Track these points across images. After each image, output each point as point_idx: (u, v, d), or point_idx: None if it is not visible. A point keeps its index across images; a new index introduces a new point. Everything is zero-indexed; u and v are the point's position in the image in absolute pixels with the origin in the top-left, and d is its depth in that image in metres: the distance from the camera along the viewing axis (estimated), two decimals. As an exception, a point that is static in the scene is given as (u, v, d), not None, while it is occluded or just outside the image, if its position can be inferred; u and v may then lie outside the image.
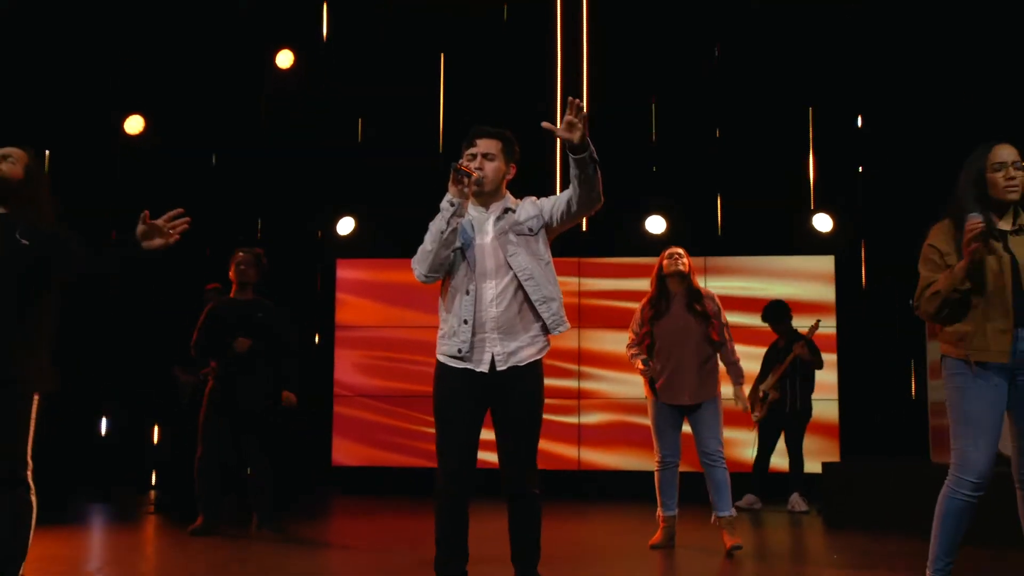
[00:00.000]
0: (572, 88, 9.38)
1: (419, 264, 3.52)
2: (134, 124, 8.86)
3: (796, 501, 7.65)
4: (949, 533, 3.58)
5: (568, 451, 9.20)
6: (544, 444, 9.24)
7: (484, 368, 3.48)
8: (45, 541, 5.48)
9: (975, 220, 3.45)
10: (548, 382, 9.16)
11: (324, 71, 9.45)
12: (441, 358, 3.56)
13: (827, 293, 9.02)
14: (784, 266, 9.16)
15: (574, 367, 9.26)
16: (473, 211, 3.61)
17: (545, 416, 8.88)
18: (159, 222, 3.49)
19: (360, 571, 4.69)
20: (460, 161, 3.53)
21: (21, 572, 3.52)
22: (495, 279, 3.49)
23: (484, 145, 3.59)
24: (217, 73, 9.02)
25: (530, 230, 3.57)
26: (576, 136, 3.30)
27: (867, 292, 8.95)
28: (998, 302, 3.53)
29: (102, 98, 8.71)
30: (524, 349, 3.54)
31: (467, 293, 3.48)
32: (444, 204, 3.45)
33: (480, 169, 3.54)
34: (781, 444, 7.85)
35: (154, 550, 5.26)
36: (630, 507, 7.40)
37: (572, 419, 9.22)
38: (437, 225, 3.46)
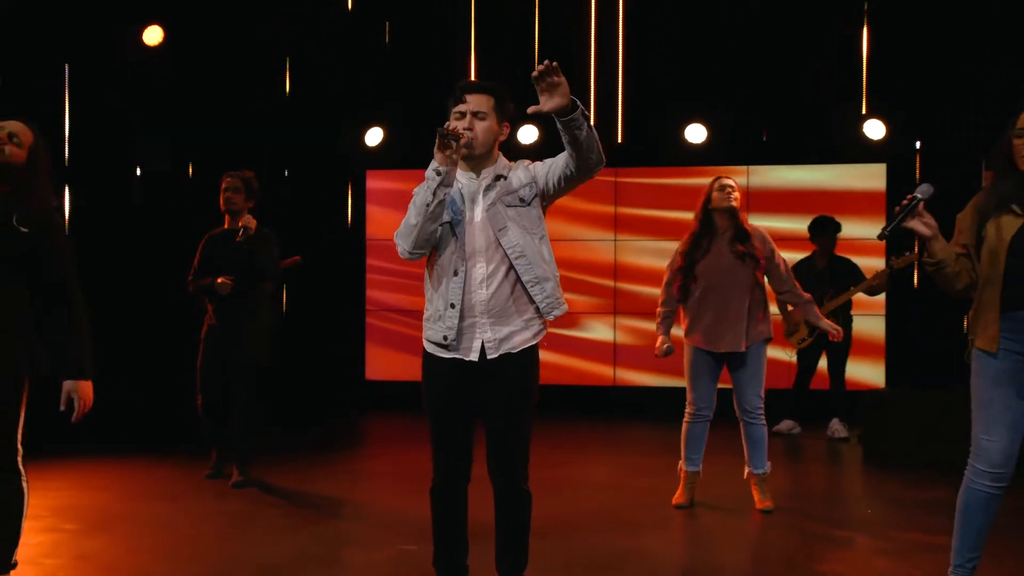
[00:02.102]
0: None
1: (403, 239, 3.13)
2: (153, 35, 8.51)
3: (836, 428, 7.41)
4: (971, 527, 3.30)
5: (604, 370, 9.03)
6: (579, 363, 9.21)
7: (474, 357, 3.16)
8: (59, 489, 5.51)
9: (911, 195, 3.19)
10: (583, 299, 8.92)
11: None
12: (427, 346, 3.27)
13: (877, 204, 8.56)
14: (832, 175, 8.69)
15: (610, 283, 8.99)
16: (463, 177, 3.20)
17: (581, 334, 8.92)
18: None
19: (369, 541, 4.54)
20: (447, 124, 3.12)
21: (14, 559, 3.46)
22: (485, 258, 3.12)
23: (475, 102, 3.15)
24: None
25: (522, 200, 3.16)
26: (564, 97, 2.86)
27: (920, 203, 8.46)
28: (993, 285, 3.21)
29: (120, 8, 8.37)
30: (518, 334, 3.16)
31: (455, 274, 3.12)
32: (429, 173, 3.06)
33: (470, 129, 3.13)
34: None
35: (166, 502, 5.18)
36: (662, 432, 7.11)
37: (608, 336, 9.01)
38: (422, 197, 3.05)
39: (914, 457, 6.26)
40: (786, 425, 7.61)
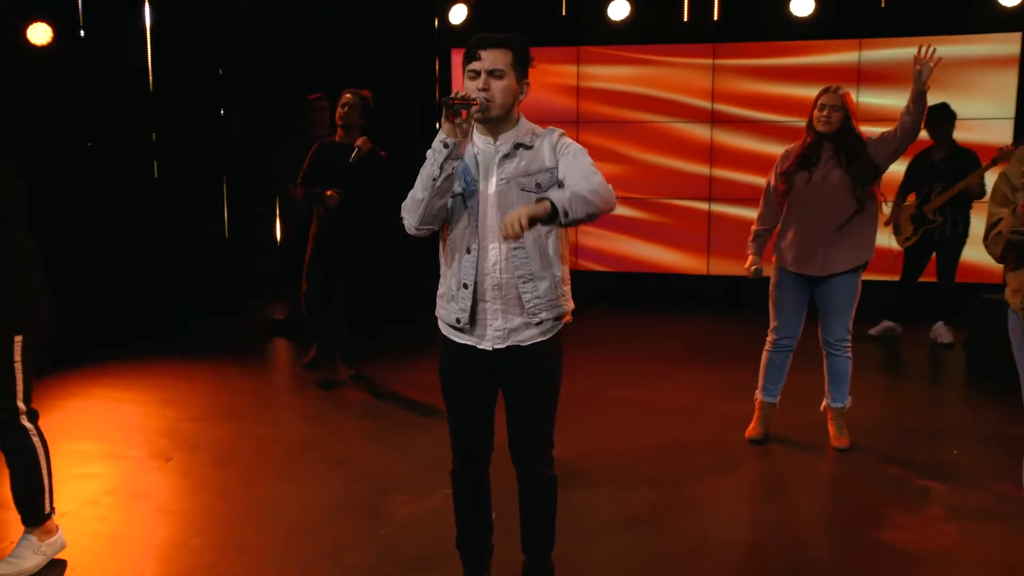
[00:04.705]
0: None
1: (409, 214, 2.85)
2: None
3: (941, 332, 6.95)
4: None
5: (697, 262, 8.68)
6: (670, 253, 8.81)
7: (487, 345, 2.92)
8: (134, 403, 5.65)
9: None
10: (678, 188, 8.42)
11: None
12: (441, 327, 3.04)
13: (1008, 80, 7.73)
14: (958, 49, 7.84)
15: (705, 170, 8.51)
16: (479, 140, 2.89)
17: (673, 222, 8.51)
18: None
19: (416, 485, 4.43)
20: (454, 94, 2.76)
21: (49, 508, 3.49)
22: (499, 238, 2.83)
23: (490, 59, 2.78)
24: None
25: (538, 186, 2.81)
26: (535, 213, 2.61)
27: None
28: None
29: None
30: (528, 327, 2.91)
31: (468, 251, 2.86)
32: (436, 144, 2.76)
33: (485, 90, 2.77)
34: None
35: (232, 423, 5.23)
36: (753, 331, 6.61)
37: (701, 225, 8.60)
38: (428, 169, 2.77)
39: None
40: (883, 327, 7.17)
